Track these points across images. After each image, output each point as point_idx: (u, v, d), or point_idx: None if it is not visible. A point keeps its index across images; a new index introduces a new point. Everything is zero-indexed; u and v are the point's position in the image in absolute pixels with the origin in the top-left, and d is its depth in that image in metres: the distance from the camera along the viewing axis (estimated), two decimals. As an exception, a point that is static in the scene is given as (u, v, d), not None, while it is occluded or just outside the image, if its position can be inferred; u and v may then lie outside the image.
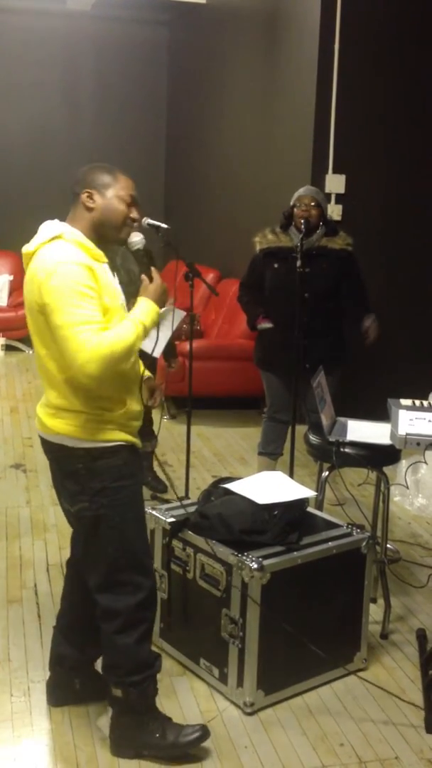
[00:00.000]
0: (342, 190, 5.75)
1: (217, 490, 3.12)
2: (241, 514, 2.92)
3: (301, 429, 3.94)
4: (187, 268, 4.10)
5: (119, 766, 2.56)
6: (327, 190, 5.64)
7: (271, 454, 4.55)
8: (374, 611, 3.38)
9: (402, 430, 2.93)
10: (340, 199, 5.76)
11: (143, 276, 2.57)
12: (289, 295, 4.10)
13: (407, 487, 4.65)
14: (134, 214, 2.52)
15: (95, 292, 2.38)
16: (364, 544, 3.04)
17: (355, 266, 4.33)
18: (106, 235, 2.50)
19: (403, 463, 4.34)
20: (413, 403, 3.14)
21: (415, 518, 4.59)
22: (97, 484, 2.49)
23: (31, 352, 8.31)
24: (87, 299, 2.34)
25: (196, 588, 2.95)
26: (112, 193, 2.48)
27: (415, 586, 3.73)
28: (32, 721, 2.75)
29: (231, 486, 3.10)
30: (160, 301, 2.56)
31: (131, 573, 2.55)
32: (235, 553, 2.81)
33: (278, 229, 4.31)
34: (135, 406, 2.56)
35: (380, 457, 3.40)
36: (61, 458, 2.53)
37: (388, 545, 3.83)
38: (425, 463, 4.67)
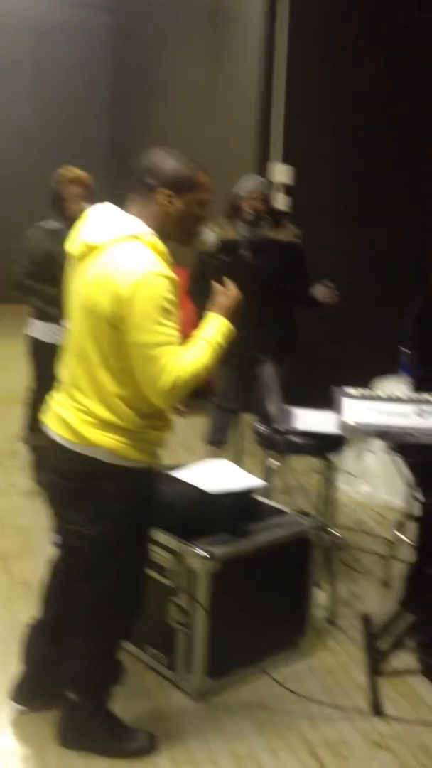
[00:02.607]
0: (289, 181, 5.76)
1: (164, 477, 3.11)
2: (189, 502, 2.92)
3: (249, 418, 3.96)
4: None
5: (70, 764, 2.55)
6: (272, 179, 5.65)
7: (218, 442, 4.56)
8: (320, 597, 3.42)
9: (348, 419, 2.96)
10: (289, 190, 5.77)
11: (215, 284, 2.36)
12: (237, 287, 4.09)
13: (353, 475, 4.71)
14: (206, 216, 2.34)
15: (175, 307, 2.22)
16: (310, 531, 3.07)
17: (303, 258, 4.34)
18: (172, 236, 2.32)
19: (349, 452, 4.40)
20: (359, 391, 3.18)
21: (360, 505, 4.65)
22: (124, 507, 2.34)
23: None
24: (170, 317, 2.19)
25: (145, 576, 2.95)
26: (192, 198, 2.30)
27: (360, 572, 3.79)
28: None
29: (178, 474, 3.11)
30: (232, 318, 2.39)
31: (124, 601, 2.46)
32: (184, 542, 2.82)
33: (224, 222, 4.30)
34: (170, 423, 2.43)
35: (326, 446, 3.44)
36: (86, 473, 2.33)
37: (334, 532, 3.87)
38: (371, 451, 4.73)
